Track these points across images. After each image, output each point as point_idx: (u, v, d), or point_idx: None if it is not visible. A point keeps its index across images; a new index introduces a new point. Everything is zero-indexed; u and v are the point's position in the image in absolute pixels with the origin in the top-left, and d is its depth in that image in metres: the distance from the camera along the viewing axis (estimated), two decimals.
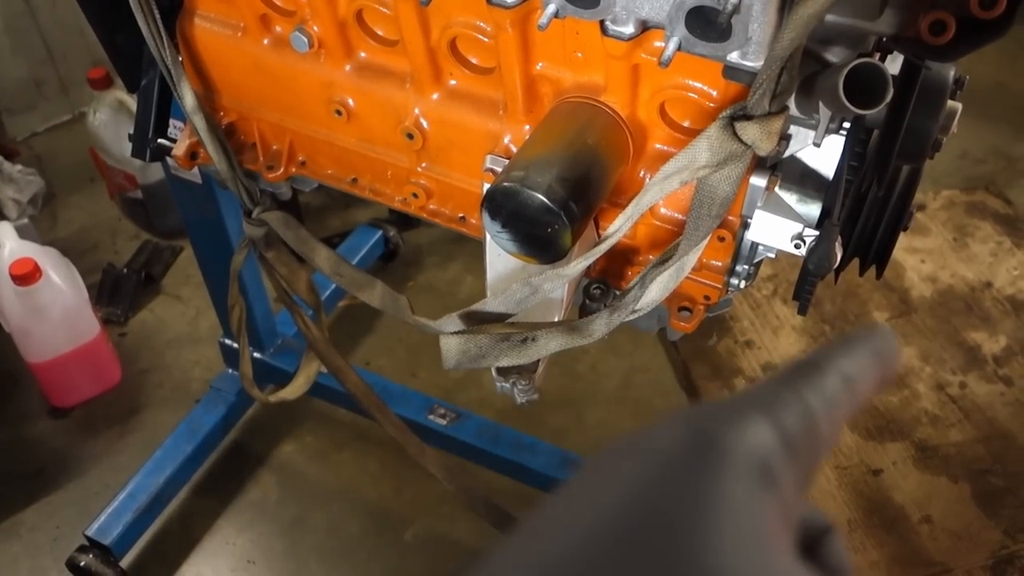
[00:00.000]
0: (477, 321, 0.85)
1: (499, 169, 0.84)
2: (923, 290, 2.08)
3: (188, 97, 1.00)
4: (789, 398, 0.28)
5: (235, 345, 1.47)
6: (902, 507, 1.70)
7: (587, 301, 0.89)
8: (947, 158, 2.29)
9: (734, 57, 0.70)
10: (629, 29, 0.73)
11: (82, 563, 1.53)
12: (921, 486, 1.73)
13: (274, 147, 1.07)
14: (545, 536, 0.27)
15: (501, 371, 0.92)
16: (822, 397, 0.28)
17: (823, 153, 0.82)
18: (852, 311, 2.02)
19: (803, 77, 0.71)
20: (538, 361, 0.93)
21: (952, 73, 0.74)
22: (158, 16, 0.95)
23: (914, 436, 1.81)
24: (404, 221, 2.14)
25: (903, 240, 0.86)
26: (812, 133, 0.79)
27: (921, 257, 2.15)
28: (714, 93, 0.76)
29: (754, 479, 0.25)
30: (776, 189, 0.82)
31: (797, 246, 0.81)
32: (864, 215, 0.83)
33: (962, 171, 2.37)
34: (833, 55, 0.73)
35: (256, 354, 1.68)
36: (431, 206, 1.01)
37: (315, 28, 0.92)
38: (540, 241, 0.74)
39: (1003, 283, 2.10)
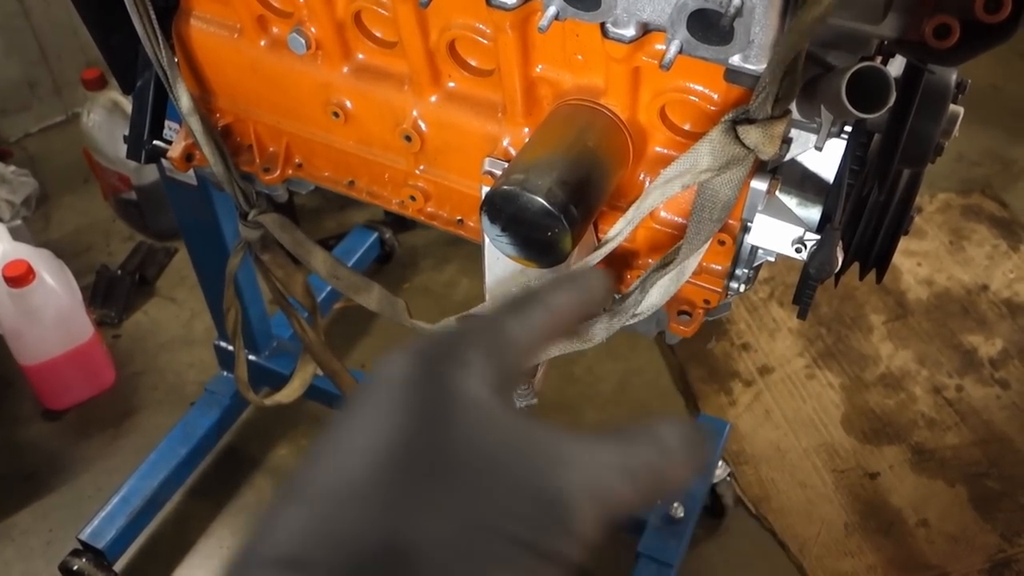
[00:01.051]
0: None
1: (498, 172, 0.83)
2: (919, 293, 2.08)
3: (184, 99, 0.99)
4: (493, 328, 0.37)
5: (230, 348, 1.46)
6: (899, 511, 1.70)
7: None
8: (943, 161, 2.27)
9: (736, 60, 0.70)
10: (630, 32, 0.72)
11: (75, 567, 1.52)
12: (918, 489, 1.73)
13: (271, 149, 1.07)
14: (324, 465, 0.33)
15: None
16: (521, 324, 0.38)
17: (824, 157, 0.82)
18: (848, 314, 2.02)
19: (805, 80, 0.71)
20: (537, 365, 0.92)
21: (954, 77, 0.74)
22: (154, 17, 0.94)
23: (911, 439, 1.81)
24: (400, 223, 2.13)
25: (899, 243, 0.85)
26: (813, 137, 0.79)
27: (917, 260, 2.15)
28: (715, 96, 0.75)
29: (479, 386, 0.35)
30: (777, 193, 0.82)
31: (798, 250, 0.81)
32: (865, 219, 0.83)
33: (958, 174, 2.37)
34: (836, 59, 0.73)
35: (251, 357, 1.67)
36: (429, 209, 1.00)
37: (313, 29, 0.91)
38: (540, 245, 0.74)
39: (999, 286, 2.10)
